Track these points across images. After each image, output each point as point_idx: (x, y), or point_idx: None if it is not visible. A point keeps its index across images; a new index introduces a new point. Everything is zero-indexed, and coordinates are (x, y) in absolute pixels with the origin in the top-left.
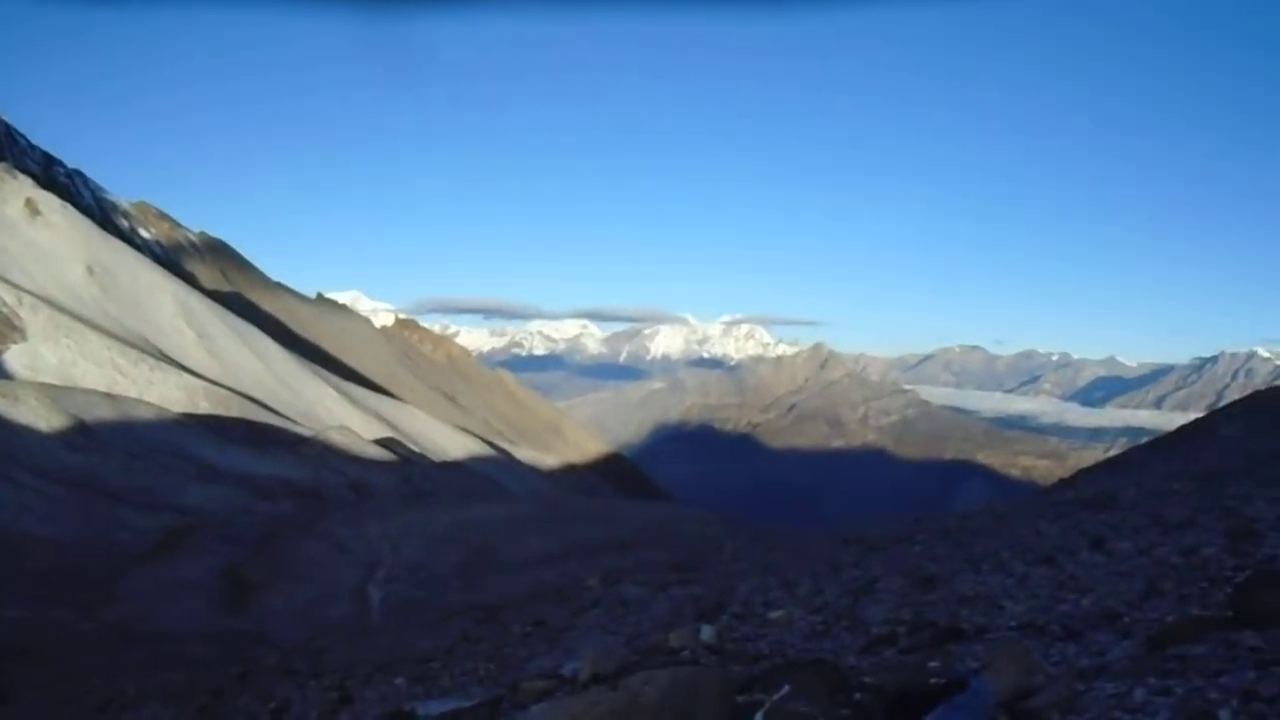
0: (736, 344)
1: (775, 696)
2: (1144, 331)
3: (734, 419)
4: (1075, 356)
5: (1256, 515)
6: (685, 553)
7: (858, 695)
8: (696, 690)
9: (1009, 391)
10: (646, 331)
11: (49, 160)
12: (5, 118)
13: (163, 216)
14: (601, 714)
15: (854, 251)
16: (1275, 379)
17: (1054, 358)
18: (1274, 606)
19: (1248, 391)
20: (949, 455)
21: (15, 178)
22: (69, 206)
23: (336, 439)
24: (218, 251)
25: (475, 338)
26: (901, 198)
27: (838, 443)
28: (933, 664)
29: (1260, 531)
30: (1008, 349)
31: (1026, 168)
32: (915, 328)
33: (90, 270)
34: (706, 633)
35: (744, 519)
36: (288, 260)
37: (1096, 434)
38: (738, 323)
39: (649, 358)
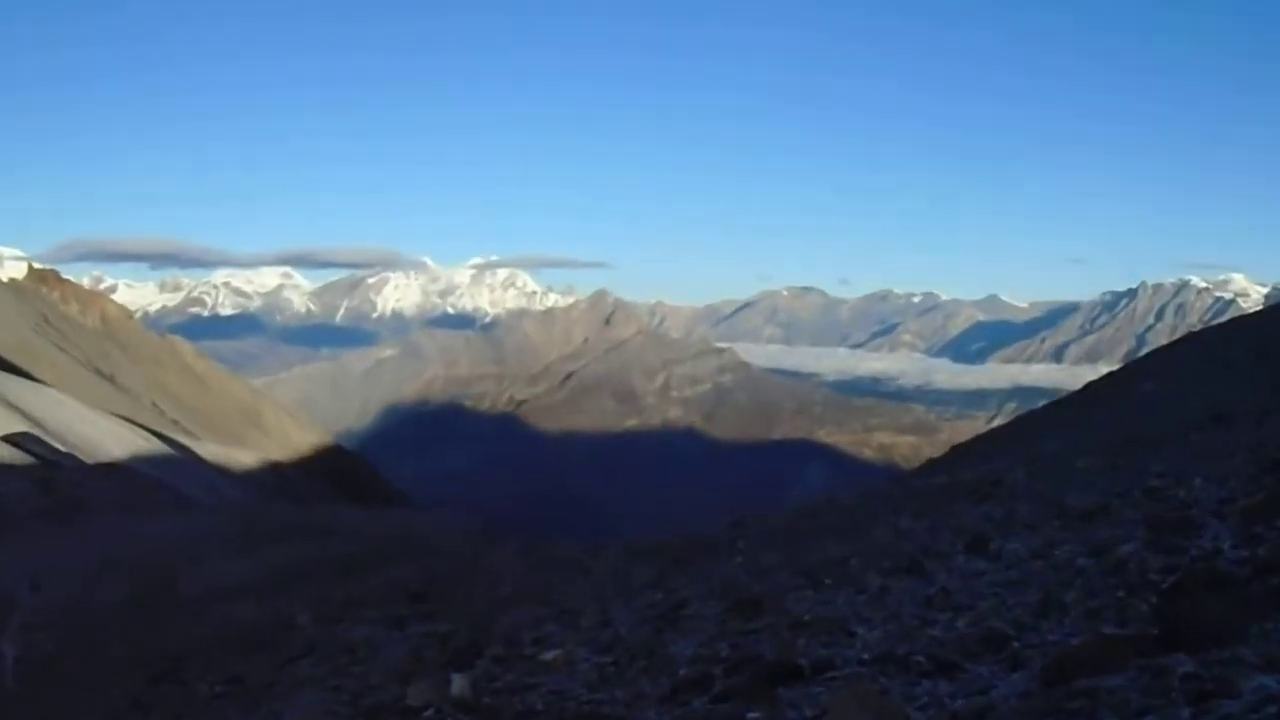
0: (492, 295)
1: None
2: (1034, 262)
3: (491, 394)
4: (944, 297)
5: (1189, 499)
6: (429, 576)
7: None
8: None
9: (857, 346)
10: (371, 281)
11: None
12: None
13: None
14: None
15: (645, 174)
16: (1212, 316)
17: (916, 299)
18: (1212, 620)
19: (1178, 334)
20: (778, 434)
21: None
22: None
23: None
24: None
25: (140, 294)
26: (705, 102)
27: (630, 422)
28: (753, 715)
29: (1195, 520)
30: (853, 290)
31: (870, 54)
32: (729, 268)
33: None
34: (458, 684)
35: (508, 526)
36: None
37: (976, 398)
38: (492, 266)
39: (375, 315)
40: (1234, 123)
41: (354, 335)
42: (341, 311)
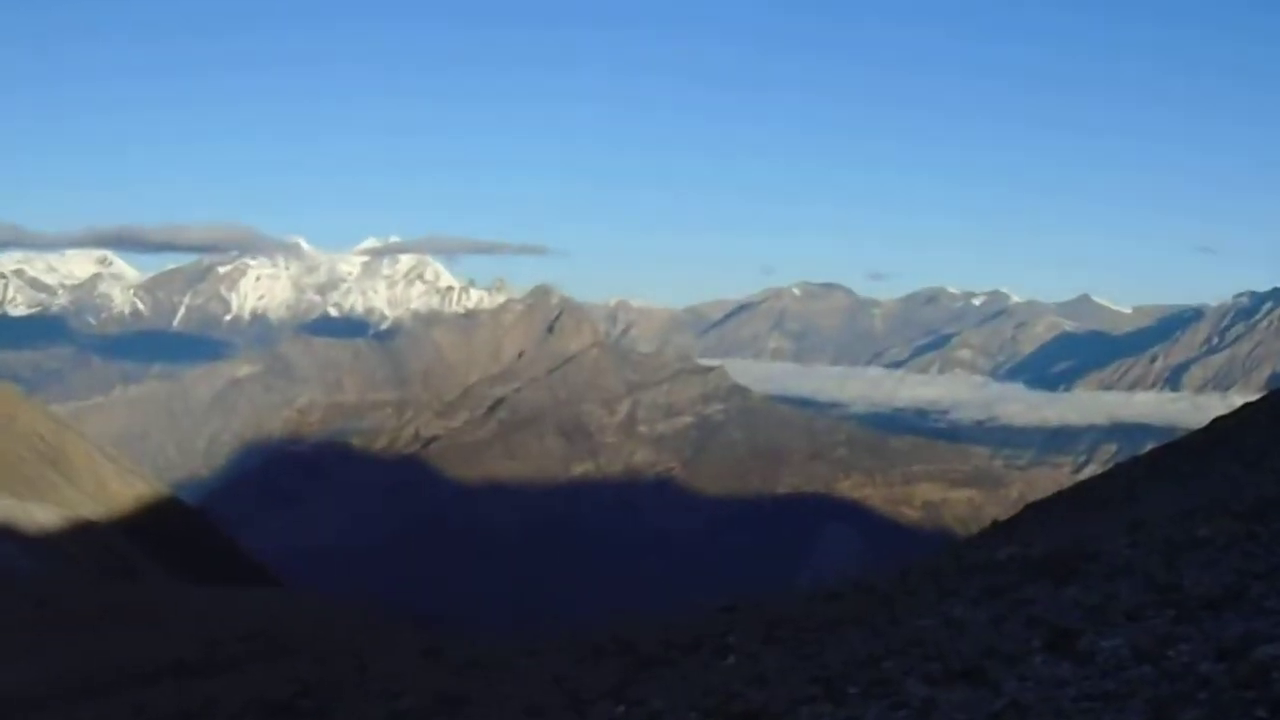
0: (391, 290)
1: None
2: (1143, 251)
3: (389, 429)
4: (1016, 299)
5: None
6: (299, 682)
7: None
8: None
9: (896, 365)
10: (224, 270)
11: None
12: None
13: None
14: None
15: (605, 132)
16: None
17: (977, 302)
18: None
19: None
20: (786, 486)
21: None
22: None
23: None
24: None
25: None
26: (686, 35)
27: (581, 468)
28: None
29: None
30: (890, 289)
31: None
32: (720, 256)
33: None
34: None
35: (410, 613)
36: None
37: (1059, 438)
38: (391, 251)
39: (229, 318)
40: None
41: (198, 345)
42: (181, 312)
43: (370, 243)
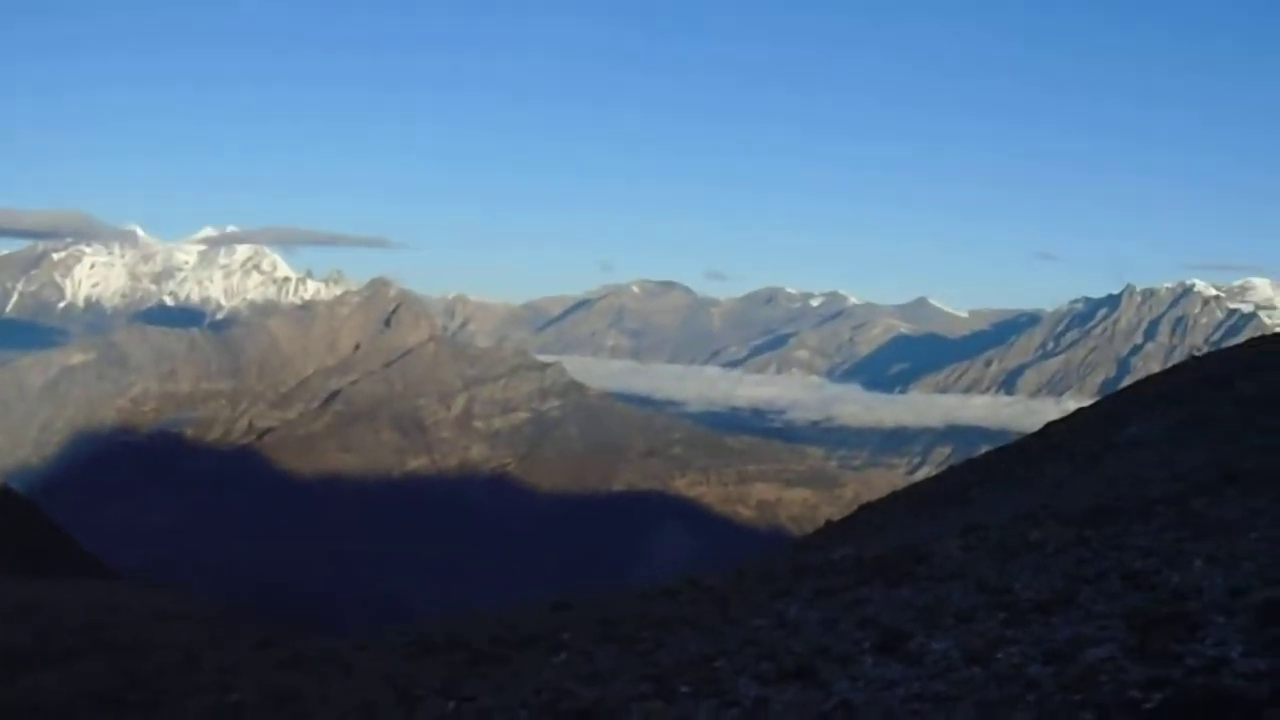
0: (228, 280)
1: None
2: (981, 255)
3: (223, 420)
4: (854, 300)
5: (1186, 588)
6: (128, 676)
7: None
8: None
9: (733, 365)
10: (57, 257)
11: None
12: None
13: None
14: None
15: (447, 128)
16: (1224, 334)
17: (816, 302)
18: None
19: (1176, 358)
20: (621, 483)
21: None
22: None
23: None
24: None
25: None
26: (528, 33)
27: (416, 462)
28: None
29: (1194, 617)
30: (729, 288)
31: None
32: (559, 253)
33: None
34: None
35: (242, 607)
36: None
37: (895, 440)
38: (229, 241)
39: (62, 305)
40: (1253, 83)
41: (31, 332)
42: (14, 298)
43: (207, 232)
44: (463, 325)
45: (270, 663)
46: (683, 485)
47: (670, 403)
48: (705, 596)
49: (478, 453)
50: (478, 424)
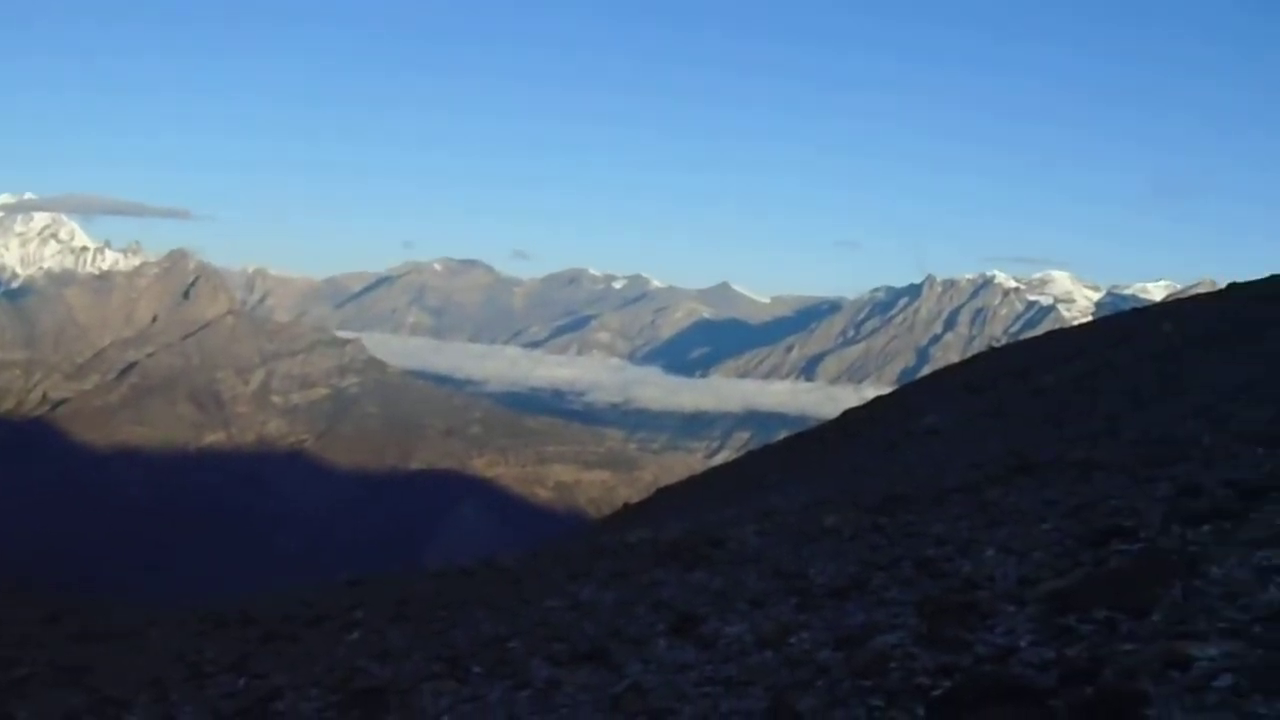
0: (24, 248)
1: None
2: (784, 242)
3: (16, 390)
4: (657, 284)
5: (977, 576)
6: None
7: None
8: None
9: (534, 345)
10: None
11: None
12: None
13: None
14: None
15: (250, 98)
16: (1023, 326)
17: (618, 285)
18: None
19: (976, 348)
20: (419, 462)
21: None
22: None
23: None
24: None
25: None
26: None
27: (212, 436)
28: None
29: (984, 605)
30: (533, 268)
31: None
32: (361, 228)
33: None
34: None
35: (33, 580)
36: None
37: (694, 424)
38: (26, 209)
39: None
40: (1055, 81)
41: None
42: None
43: (3, 199)
44: (262, 299)
45: (59, 636)
46: (481, 465)
47: (470, 382)
48: (500, 577)
49: (275, 428)
50: (275, 399)
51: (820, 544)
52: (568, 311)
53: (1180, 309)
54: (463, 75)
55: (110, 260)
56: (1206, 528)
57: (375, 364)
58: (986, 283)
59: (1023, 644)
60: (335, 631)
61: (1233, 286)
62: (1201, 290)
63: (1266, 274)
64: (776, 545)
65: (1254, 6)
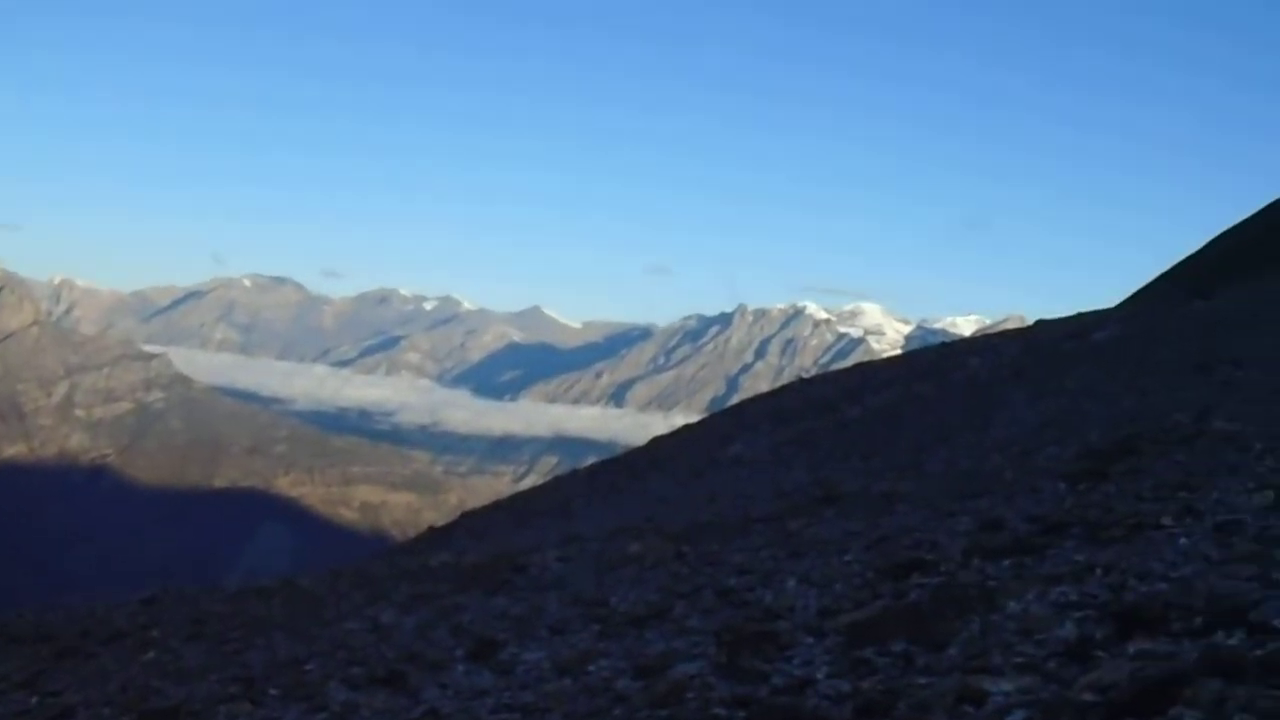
0: None
1: None
2: (596, 267)
3: None
4: (468, 305)
5: (778, 606)
6: None
7: None
8: None
9: (343, 364)
10: None
11: None
12: None
13: None
14: None
15: (56, 98)
16: (833, 357)
17: (429, 306)
18: None
19: (785, 378)
20: (224, 479)
21: None
22: None
23: None
24: None
25: None
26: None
27: (12, 450)
28: None
29: (783, 636)
30: (343, 287)
31: None
32: (170, 240)
33: None
34: None
35: None
36: None
37: (502, 447)
38: None
39: None
40: (865, 113)
41: None
42: None
43: None
44: (69, 311)
45: None
46: (286, 484)
47: (277, 400)
48: (300, 598)
49: (78, 442)
50: (79, 413)
51: (623, 571)
52: (378, 331)
53: (989, 344)
54: (275, 82)
55: None
56: (1006, 563)
57: (181, 379)
58: (798, 313)
59: (820, 676)
60: (131, 650)
61: (1040, 323)
62: (1011, 325)
63: (1074, 311)
64: (579, 572)
65: (1063, 39)
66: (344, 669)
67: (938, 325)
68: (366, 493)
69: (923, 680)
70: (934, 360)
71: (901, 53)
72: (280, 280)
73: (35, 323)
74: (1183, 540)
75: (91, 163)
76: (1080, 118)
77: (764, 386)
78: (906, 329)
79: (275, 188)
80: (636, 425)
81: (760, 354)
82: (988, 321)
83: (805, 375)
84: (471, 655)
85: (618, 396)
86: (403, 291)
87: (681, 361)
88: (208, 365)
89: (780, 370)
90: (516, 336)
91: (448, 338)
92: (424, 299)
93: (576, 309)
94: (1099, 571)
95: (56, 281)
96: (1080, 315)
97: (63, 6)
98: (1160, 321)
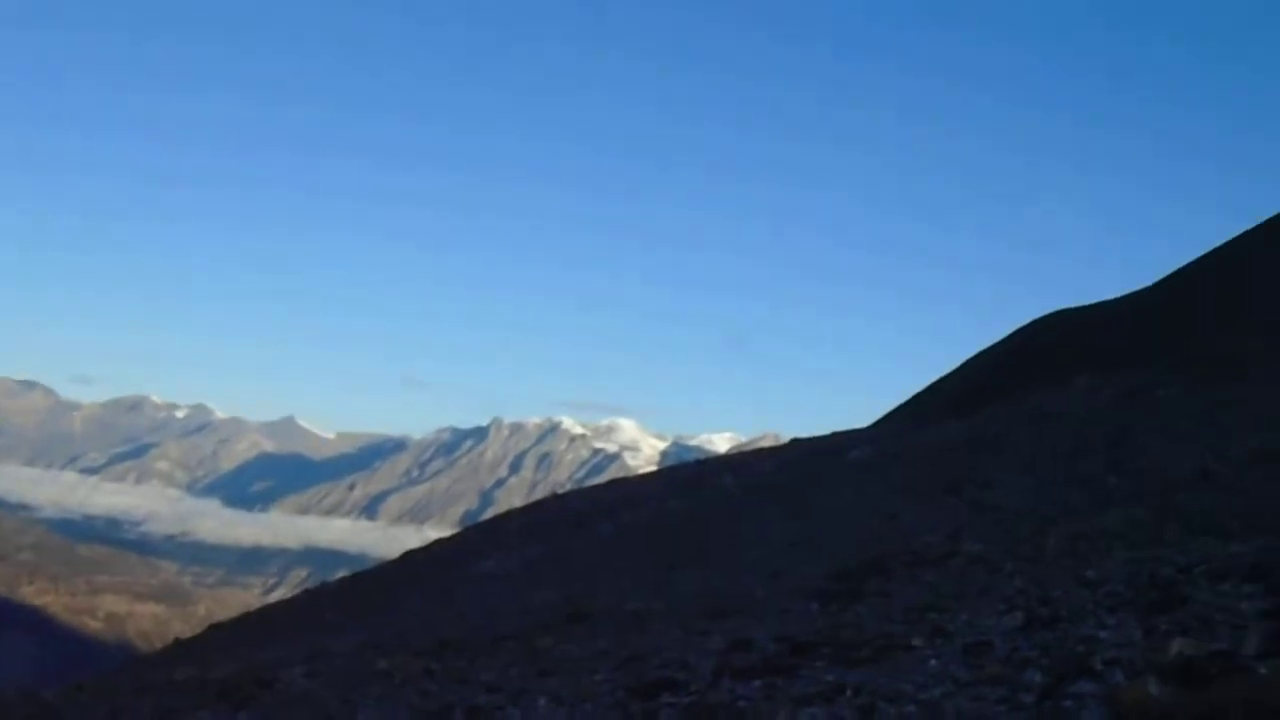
0: None
1: None
2: (350, 378)
3: None
4: (220, 414)
5: None
6: None
7: None
8: None
9: (91, 471)
10: None
11: None
12: None
13: None
14: None
15: None
16: (588, 473)
17: (181, 414)
18: None
19: (540, 493)
20: None
21: None
22: None
23: None
24: None
25: None
26: None
27: None
28: None
29: None
30: (94, 393)
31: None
32: None
33: None
34: None
35: None
36: None
37: (252, 559)
38: None
39: None
40: (626, 232)
41: None
42: None
43: None
44: None
45: None
46: (30, 593)
47: (24, 506)
48: (40, 711)
49: None
50: None
51: (370, 688)
52: (128, 439)
53: (743, 461)
54: (21, 186)
55: None
56: (757, 683)
57: None
58: (554, 428)
59: None
60: None
61: (795, 441)
62: (766, 443)
63: (828, 430)
64: (326, 687)
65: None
66: None
67: (694, 442)
68: (113, 602)
69: None
70: (689, 477)
71: (643, 176)
72: (29, 384)
73: None
74: (933, 661)
75: None
76: (842, 236)
77: (518, 501)
78: (662, 445)
79: (24, 288)
80: (389, 538)
81: (515, 468)
82: (743, 439)
83: (560, 490)
84: None
85: (370, 509)
86: (154, 399)
87: (435, 474)
88: None
89: (535, 485)
90: (269, 446)
91: (199, 446)
92: (176, 406)
93: (330, 419)
94: (849, 692)
95: None
96: (834, 434)
97: None
98: (912, 441)
